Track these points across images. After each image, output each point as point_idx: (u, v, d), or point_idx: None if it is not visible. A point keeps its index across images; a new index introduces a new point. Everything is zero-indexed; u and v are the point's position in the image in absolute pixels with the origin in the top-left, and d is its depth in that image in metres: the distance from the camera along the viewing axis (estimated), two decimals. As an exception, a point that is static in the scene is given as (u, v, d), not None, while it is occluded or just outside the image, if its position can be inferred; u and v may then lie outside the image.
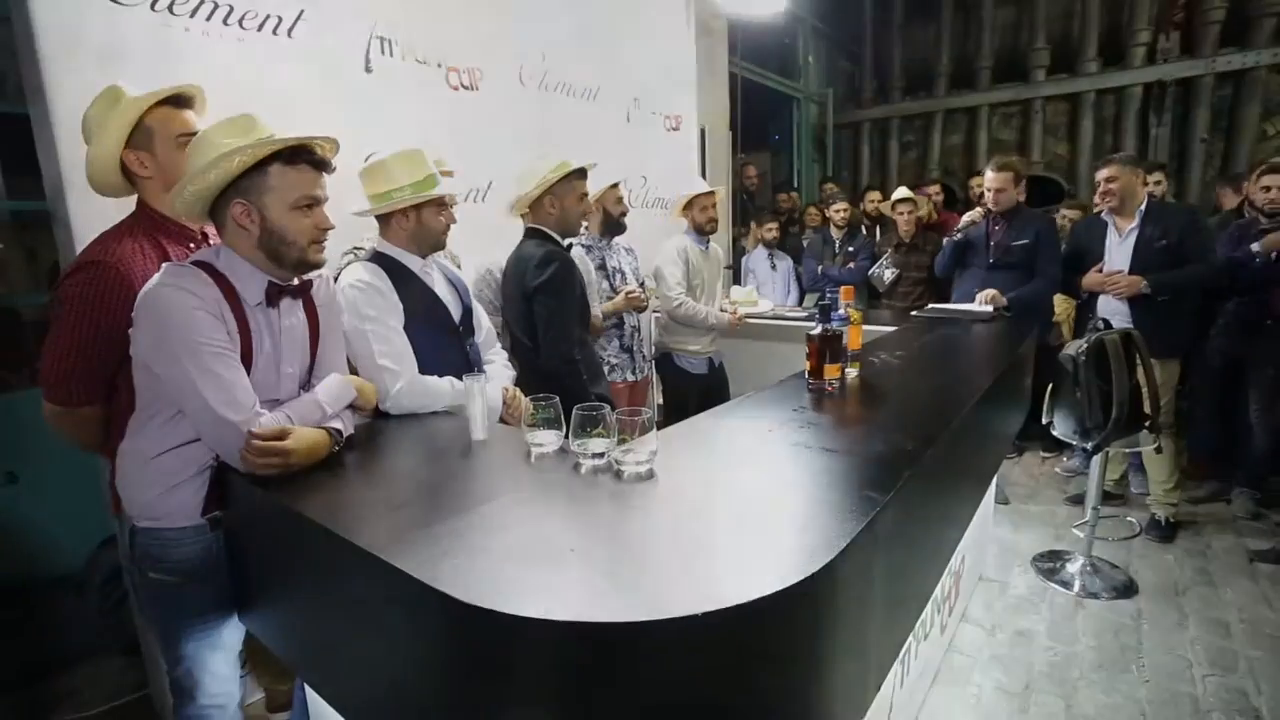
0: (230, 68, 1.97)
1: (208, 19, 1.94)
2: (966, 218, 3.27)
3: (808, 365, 1.77)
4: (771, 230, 4.50)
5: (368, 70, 2.35)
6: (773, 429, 1.42)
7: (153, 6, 1.84)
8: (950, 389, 1.82)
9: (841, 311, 1.89)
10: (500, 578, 0.83)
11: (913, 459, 1.21)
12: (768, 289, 4.28)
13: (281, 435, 1.16)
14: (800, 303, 4.40)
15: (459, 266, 2.17)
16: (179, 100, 1.44)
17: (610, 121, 3.41)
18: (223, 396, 1.14)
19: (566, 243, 2.23)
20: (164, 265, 1.20)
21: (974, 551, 2.56)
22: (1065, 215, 4.15)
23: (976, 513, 2.08)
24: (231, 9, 1.99)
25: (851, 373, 1.88)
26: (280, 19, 2.10)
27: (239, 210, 1.21)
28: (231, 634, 1.35)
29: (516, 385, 1.83)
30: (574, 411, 1.17)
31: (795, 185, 7.04)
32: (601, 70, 3.32)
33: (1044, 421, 2.70)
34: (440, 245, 1.73)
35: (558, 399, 1.26)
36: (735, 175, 5.44)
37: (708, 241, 3.05)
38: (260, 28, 2.06)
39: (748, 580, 0.79)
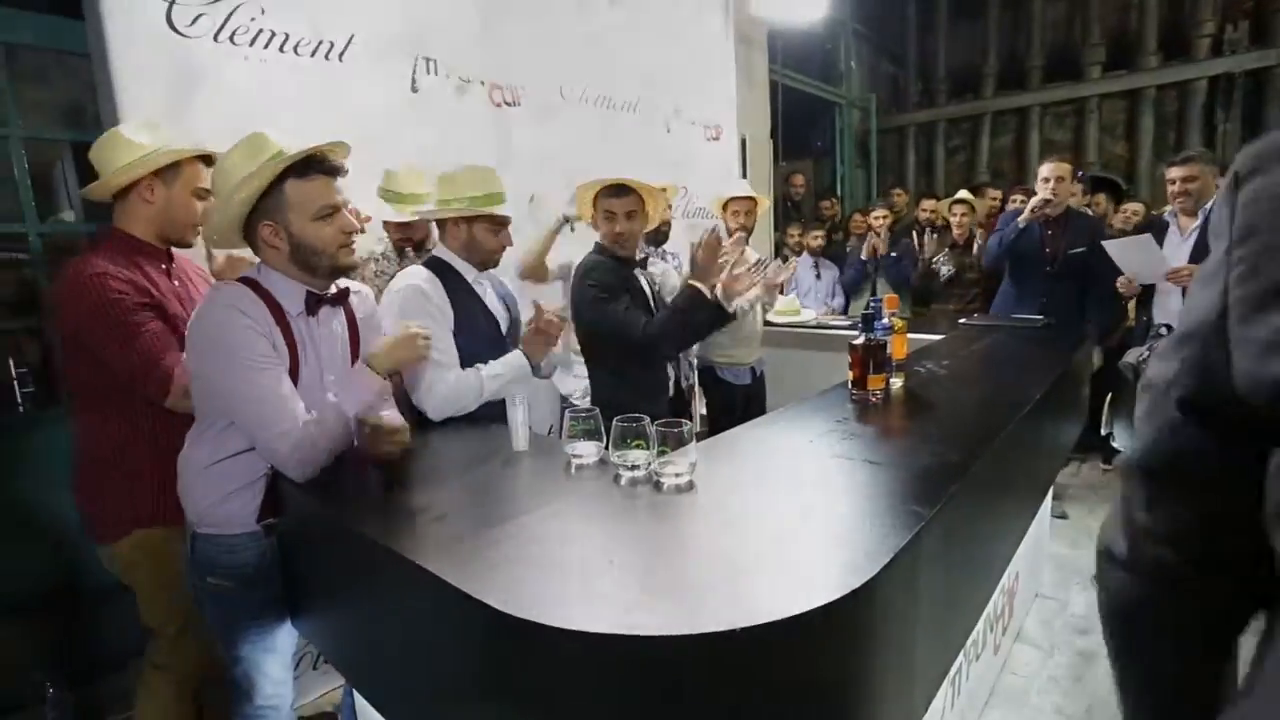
0: (286, 91, 2.07)
1: (265, 46, 2.06)
2: (1033, 202, 3.09)
3: (850, 375, 1.74)
4: (816, 238, 4.45)
5: (414, 90, 2.43)
6: (814, 441, 1.40)
7: (215, 37, 1.95)
8: (1000, 399, 1.76)
9: (885, 320, 1.85)
10: (541, 589, 0.84)
11: (959, 472, 1.18)
12: (811, 298, 4.23)
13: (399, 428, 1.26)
14: (845, 311, 4.33)
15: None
16: (209, 159, 1.57)
17: (650, 133, 3.44)
18: (272, 408, 1.19)
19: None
20: (214, 285, 1.28)
21: (1029, 567, 2.47)
22: (1128, 211, 3.98)
23: (1030, 527, 2.00)
24: (287, 36, 2.10)
25: (896, 383, 1.84)
26: (332, 44, 2.20)
27: (267, 231, 1.26)
28: (285, 639, 1.39)
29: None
30: (614, 423, 1.18)
31: (839, 192, 6.95)
32: (641, 82, 3.35)
33: (1103, 433, 2.58)
34: (491, 263, 1.77)
35: (598, 410, 1.27)
36: (778, 184, 5.40)
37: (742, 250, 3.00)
38: (314, 53, 2.16)
39: (787, 595, 0.78)
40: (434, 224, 1.81)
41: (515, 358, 1.71)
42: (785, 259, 2.92)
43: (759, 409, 2.89)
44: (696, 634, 0.74)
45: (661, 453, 1.15)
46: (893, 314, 1.92)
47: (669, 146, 3.53)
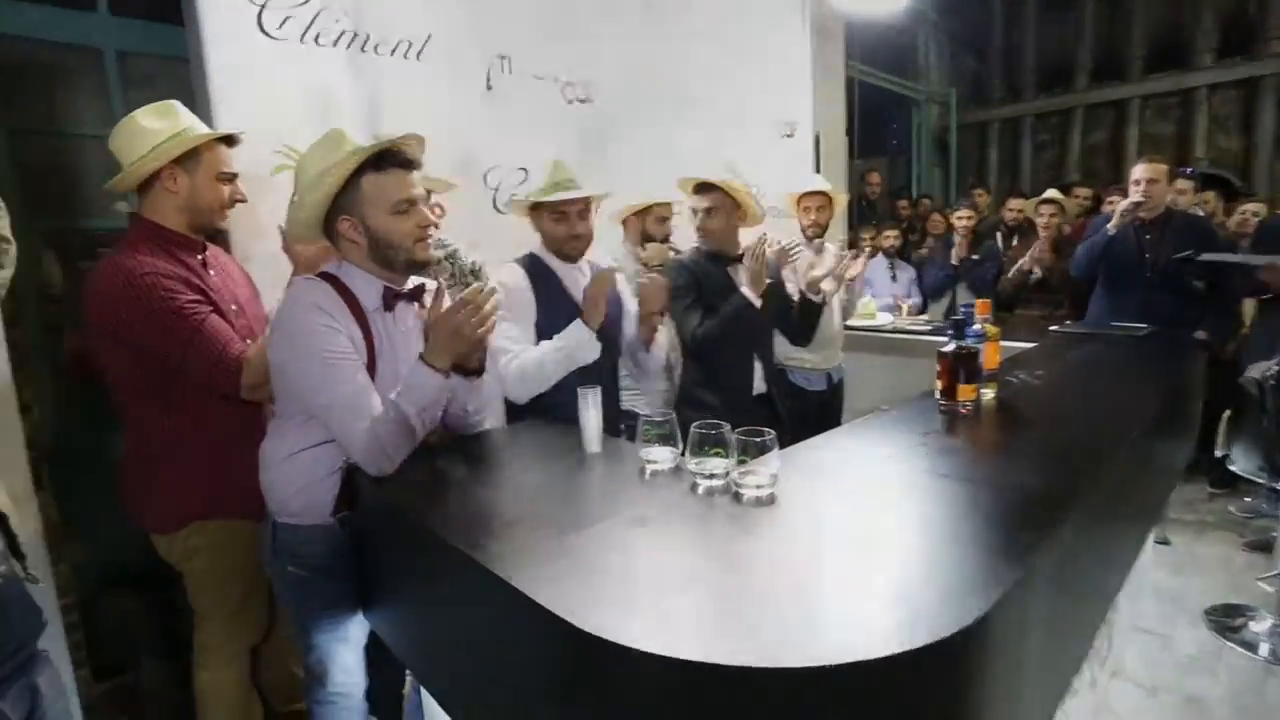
0: (366, 90, 2.12)
1: (348, 47, 2.11)
2: (1125, 203, 2.85)
3: (939, 385, 1.63)
4: (890, 238, 4.27)
5: (488, 88, 2.45)
6: (902, 454, 1.31)
7: (301, 38, 2.02)
8: (1105, 415, 1.61)
9: (977, 327, 1.73)
10: (618, 604, 0.80)
11: (1068, 496, 1.07)
12: (888, 301, 4.05)
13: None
14: (922, 313, 4.13)
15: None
16: (230, 140, 1.55)
17: (723, 130, 3.36)
18: (350, 402, 1.20)
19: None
20: (295, 281, 1.29)
21: (1128, 597, 2.27)
22: (1247, 211, 3.64)
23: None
24: (369, 36, 2.15)
25: (987, 394, 1.71)
26: (410, 43, 2.24)
27: (345, 226, 1.26)
28: (357, 629, 1.40)
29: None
30: (691, 429, 1.13)
31: (916, 191, 6.68)
32: (715, 78, 3.29)
33: (1218, 454, 2.36)
34: (569, 253, 1.77)
35: (674, 415, 1.22)
36: (853, 183, 5.22)
37: (819, 247, 2.91)
38: (393, 52, 2.20)
39: (882, 630, 0.71)
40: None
41: (573, 327, 1.70)
42: (859, 252, 2.77)
43: (834, 417, 2.81)
44: (784, 668, 0.68)
45: (741, 461, 1.09)
46: (985, 320, 1.79)
47: (742, 144, 3.43)
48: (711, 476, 1.11)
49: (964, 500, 1.08)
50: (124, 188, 1.49)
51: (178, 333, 1.35)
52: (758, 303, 2.01)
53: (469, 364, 1.33)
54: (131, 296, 1.35)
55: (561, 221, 1.75)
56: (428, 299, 1.43)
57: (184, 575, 1.57)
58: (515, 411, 1.83)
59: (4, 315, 1.70)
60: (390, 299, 1.33)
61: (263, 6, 1.92)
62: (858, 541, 0.95)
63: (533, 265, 1.77)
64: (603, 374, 1.80)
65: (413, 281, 1.40)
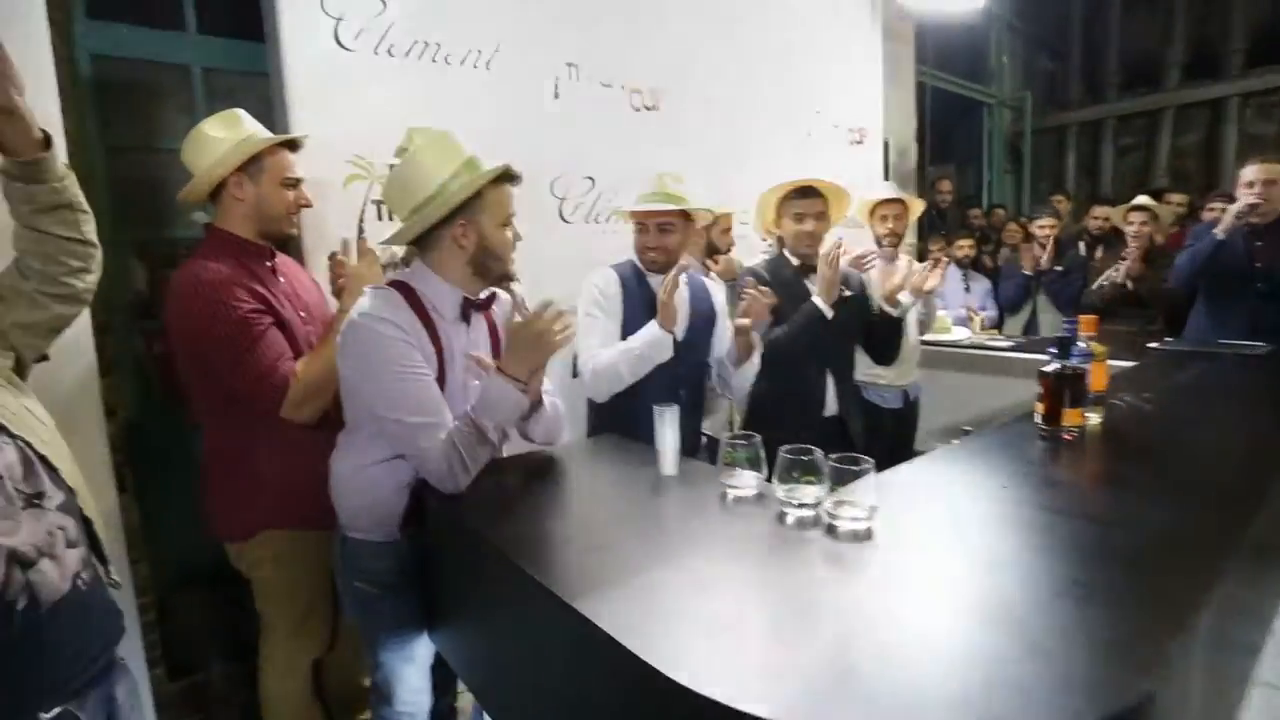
0: (438, 99, 2.12)
1: (419, 58, 2.12)
2: (1238, 206, 2.61)
3: (1040, 408, 1.49)
4: (963, 248, 4.06)
5: (556, 96, 2.42)
6: (1008, 486, 1.19)
7: (375, 50, 2.03)
8: (1242, 446, 1.44)
9: (1083, 345, 1.58)
10: (706, 651, 0.72)
11: (1226, 541, 0.93)
12: (959, 314, 3.85)
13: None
14: (998, 327, 3.91)
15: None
16: (293, 145, 1.56)
17: (790, 137, 3.27)
18: (423, 418, 1.18)
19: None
20: (365, 291, 1.26)
21: (1273, 656, 2.03)
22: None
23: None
24: (439, 46, 2.15)
25: (1093, 418, 1.56)
26: (480, 52, 2.24)
27: (459, 230, 1.25)
28: (423, 649, 1.37)
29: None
30: (780, 453, 1.04)
31: (987, 200, 6.38)
32: (783, 84, 3.20)
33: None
34: (652, 264, 1.82)
35: (759, 437, 1.14)
36: (923, 191, 5.02)
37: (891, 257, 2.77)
38: (463, 62, 2.20)
39: (1037, 709, 0.60)
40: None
41: (647, 328, 1.72)
42: (936, 262, 2.63)
43: (909, 438, 2.68)
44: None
45: (833, 489, 0.99)
46: (1090, 337, 1.64)
47: (809, 151, 3.33)
48: (802, 506, 1.02)
49: (1091, 542, 0.96)
50: (194, 197, 1.51)
51: (233, 343, 1.36)
52: (829, 313, 1.93)
53: (531, 395, 1.29)
54: (197, 303, 1.36)
55: (642, 232, 1.82)
56: (497, 308, 1.41)
57: (252, 583, 1.58)
58: (597, 421, 1.84)
59: (94, 322, 1.72)
60: (467, 309, 1.31)
61: (339, 20, 1.94)
62: (978, 590, 0.84)
63: (627, 271, 1.84)
64: (688, 387, 1.84)
65: (484, 291, 1.38)
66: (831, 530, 0.98)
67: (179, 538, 1.96)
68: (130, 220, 2.30)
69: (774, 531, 1.01)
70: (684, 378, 1.83)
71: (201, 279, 1.38)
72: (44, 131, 0.96)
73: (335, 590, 1.52)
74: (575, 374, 2.04)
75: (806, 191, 2.02)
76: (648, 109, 2.67)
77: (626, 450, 1.50)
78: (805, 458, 1.03)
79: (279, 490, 1.49)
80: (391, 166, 1.31)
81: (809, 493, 1.02)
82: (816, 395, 2.06)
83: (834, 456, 1.00)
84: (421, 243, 1.30)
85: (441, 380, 1.26)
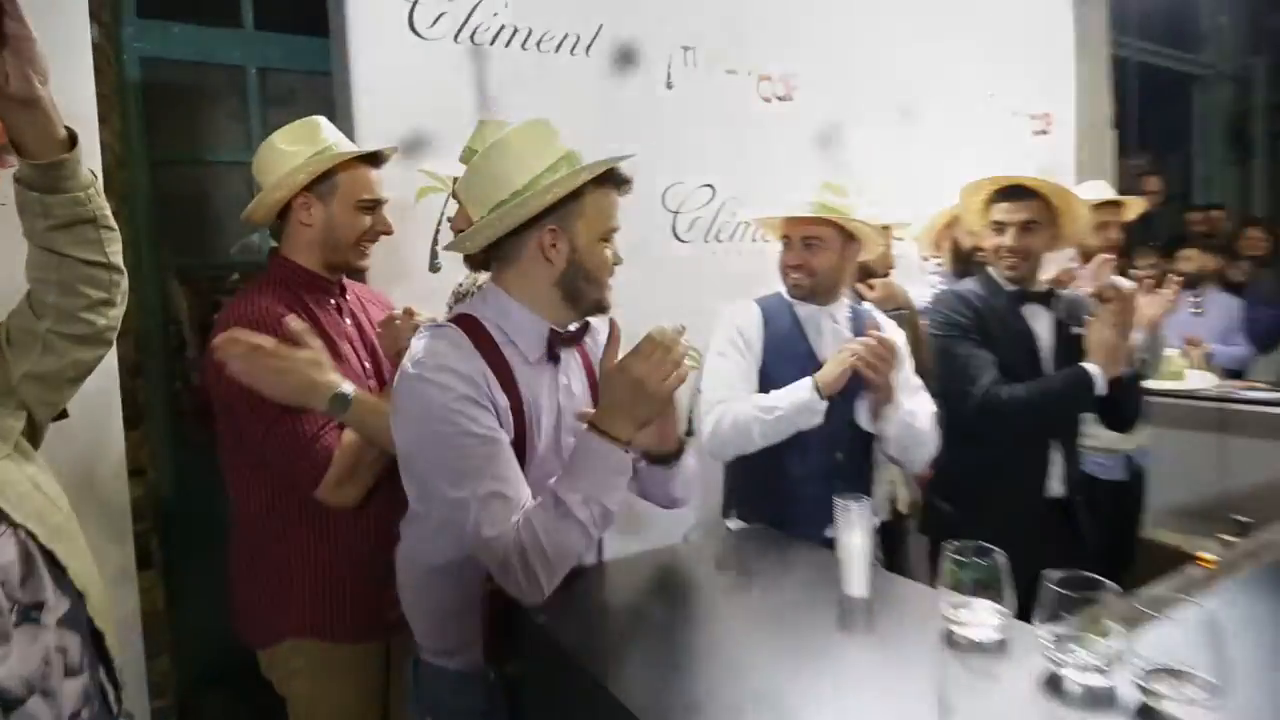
0: (529, 93, 2.09)
1: (506, 45, 2.10)
2: None
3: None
4: (1190, 260, 3.68)
5: (669, 86, 2.36)
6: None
7: (455, 37, 2.02)
8: None
9: None
10: None
11: None
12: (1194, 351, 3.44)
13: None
14: (1238, 372, 3.47)
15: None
16: (376, 159, 1.52)
17: (961, 127, 3.10)
18: (489, 498, 1.06)
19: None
20: (424, 331, 1.18)
21: None
22: None
23: None
24: (530, 31, 2.13)
25: None
26: (579, 37, 2.20)
27: (548, 237, 1.15)
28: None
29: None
30: (1043, 584, 0.84)
31: (1206, 198, 5.85)
32: (951, 64, 3.03)
33: None
34: (792, 287, 1.77)
35: (1001, 555, 0.93)
36: (1127, 188, 4.63)
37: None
38: (558, 48, 2.17)
39: None
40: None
41: (800, 389, 1.64)
42: (1158, 281, 2.36)
43: (1132, 519, 2.45)
44: None
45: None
46: None
47: (985, 142, 3.12)
48: (1087, 670, 0.80)
49: None
50: (257, 220, 1.51)
51: (269, 402, 1.30)
52: (1103, 385, 1.74)
53: (665, 441, 1.22)
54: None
55: (786, 248, 1.78)
56: (588, 341, 1.31)
57: (285, 700, 1.51)
58: (733, 487, 1.80)
59: (122, 364, 1.74)
60: (555, 344, 1.20)
61: (415, 3, 1.94)
62: None
63: (774, 305, 1.80)
64: (846, 449, 1.74)
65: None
66: (1149, 714, 0.76)
67: (211, 627, 1.89)
68: (173, 243, 2.41)
69: (1041, 702, 0.80)
70: (840, 437, 1.71)
71: (244, 317, 1.35)
72: (69, 129, 0.94)
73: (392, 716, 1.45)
74: (690, 430, 1.95)
75: (1012, 192, 1.89)
76: (779, 99, 2.57)
77: (787, 551, 1.35)
78: (1086, 590, 0.82)
79: (314, 590, 1.42)
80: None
81: (1099, 649, 0.80)
82: (1035, 471, 1.88)
83: (1145, 598, 0.79)
84: (499, 256, 1.20)
85: (522, 444, 1.15)
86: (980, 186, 1.95)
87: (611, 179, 1.18)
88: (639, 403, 1.09)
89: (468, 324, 1.16)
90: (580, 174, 1.13)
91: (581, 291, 1.18)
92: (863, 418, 1.73)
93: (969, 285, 1.98)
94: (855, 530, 1.09)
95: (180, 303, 2.44)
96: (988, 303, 1.90)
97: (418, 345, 1.14)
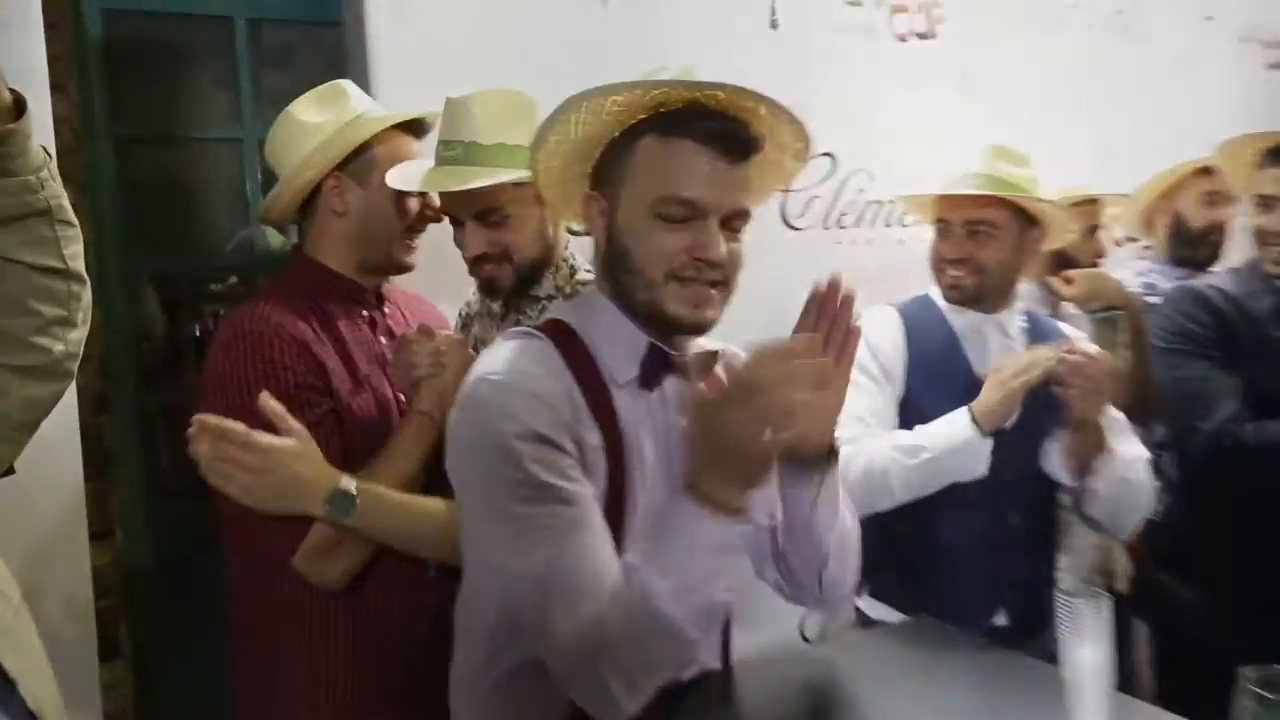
0: (584, 44, 2.05)
1: None
2: None
3: None
4: None
5: (774, 25, 2.31)
6: None
7: None
8: None
9: None
10: None
11: None
12: None
13: None
14: None
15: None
16: (418, 127, 1.50)
17: (1169, 62, 3.00)
18: (559, 575, 1.00)
19: None
20: (506, 338, 1.15)
21: None
22: None
23: None
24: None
25: None
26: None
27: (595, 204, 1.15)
28: None
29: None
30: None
31: None
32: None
33: None
34: (948, 288, 1.71)
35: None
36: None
37: None
38: None
39: None
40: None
41: (953, 420, 1.57)
42: None
43: None
44: None
45: None
46: None
47: (1258, 92, 3.14)
48: None
49: None
50: (276, 214, 1.49)
51: None
52: None
53: (813, 445, 1.10)
54: (224, 364, 1.32)
55: (940, 236, 1.72)
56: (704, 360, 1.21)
57: None
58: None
59: (82, 398, 1.71)
60: (656, 367, 1.12)
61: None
62: None
63: (919, 312, 1.75)
64: (1023, 506, 1.67)
65: (699, 344, 1.20)
66: None
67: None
68: (146, 241, 2.37)
69: None
70: (1015, 491, 1.64)
71: (244, 330, 1.32)
72: (14, 93, 0.92)
73: None
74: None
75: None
76: (919, 37, 2.49)
77: (968, 655, 1.30)
78: None
79: (345, 685, 1.37)
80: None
81: None
82: None
83: None
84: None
85: (619, 500, 1.08)
86: (1245, 144, 1.89)
87: (686, 124, 1.07)
88: (733, 455, 0.97)
89: (559, 333, 1.13)
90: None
91: (625, 286, 1.11)
92: (1053, 466, 1.64)
93: (1218, 280, 1.90)
94: (1088, 642, 1.00)
95: (156, 317, 2.40)
96: (1240, 306, 1.82)
97: (486, 357, 1.12)
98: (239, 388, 1.28)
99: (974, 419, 1.53)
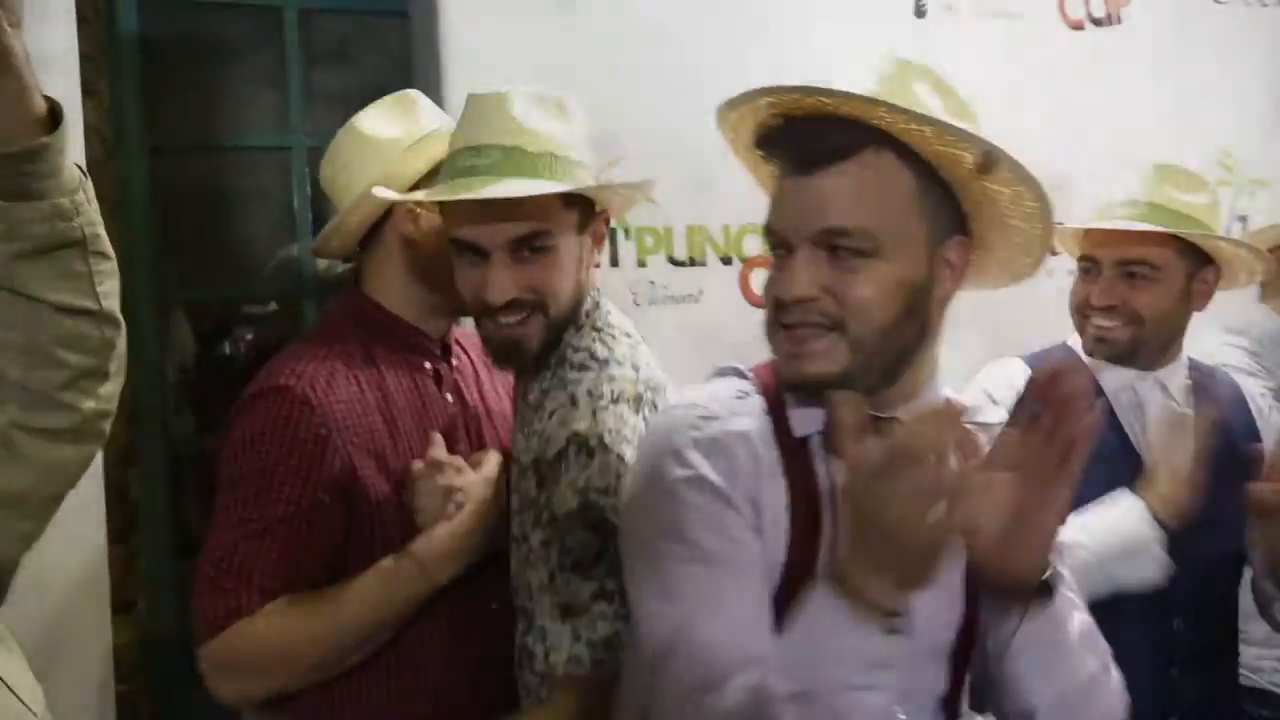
0: (695, 36, 1.99)
1: None
2: None
3: None
4: None
5: (920, 13, 2.18)
6: None
7: None
8: None
9: None
10: None
11: None
12: None
13: None
14: None
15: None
16: None
17: None
18: (676, 653, 0.98)
19: None
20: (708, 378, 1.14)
21: None
22: None
23: None
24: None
25: None
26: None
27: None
28: None
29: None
30: None
31: None
32: None
33: None
34: (1093, 342, 1.58)
35: None
36: None
37: None
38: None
39: None
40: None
41: (1122, 509, 1.43)
42: None
43: None
44: None
45: None
46: None
47: None
48: None
49: None
50: (337, 246, 1.45)
51: (223, 508, 1.29)
52: None
53: (1014, 572, 0.97)
54: (241, 424, 1.29)
55: (1086, 275, 1.61)
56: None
57: None
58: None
59: (107, 450, 1.72)
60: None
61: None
62: None
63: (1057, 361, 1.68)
64: (1190, 610, 1.54)
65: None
66: None
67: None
68: (180, 267, 2.29)
69: None
70: (1181, 593, 1.49)
71: (270, 385, 1.29)
72: (49, 101, 0.88)
73: None
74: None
75: None
76: (1095, 23, 2.30)
77: None
78: None
79: None
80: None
81: None
82: None
83: None
84: None
85: (798, 573, 1.00)
86: None
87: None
88: (887, 543, 0.87)
89: (770, 375, 1.10)
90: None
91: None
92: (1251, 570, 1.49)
93: None
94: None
95: (187, 349, 2.33)
96: None
97: (686, 388, 1.17)
98: (252, 452, 1.27)
99: (1151, 511, 1.38)
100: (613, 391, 1.17)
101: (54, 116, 0.88)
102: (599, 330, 1.25)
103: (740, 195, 1.86)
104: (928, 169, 0.96)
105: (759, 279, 1.88)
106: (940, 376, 1.06)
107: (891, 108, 0.93)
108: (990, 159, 0.91)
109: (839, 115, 0.97)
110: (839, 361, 0.94)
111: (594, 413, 1.16)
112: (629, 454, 1.14)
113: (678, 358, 1.79)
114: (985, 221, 1.00)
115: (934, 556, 0.88)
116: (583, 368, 1.22)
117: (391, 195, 1.30)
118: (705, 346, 1.83)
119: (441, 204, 1.18)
